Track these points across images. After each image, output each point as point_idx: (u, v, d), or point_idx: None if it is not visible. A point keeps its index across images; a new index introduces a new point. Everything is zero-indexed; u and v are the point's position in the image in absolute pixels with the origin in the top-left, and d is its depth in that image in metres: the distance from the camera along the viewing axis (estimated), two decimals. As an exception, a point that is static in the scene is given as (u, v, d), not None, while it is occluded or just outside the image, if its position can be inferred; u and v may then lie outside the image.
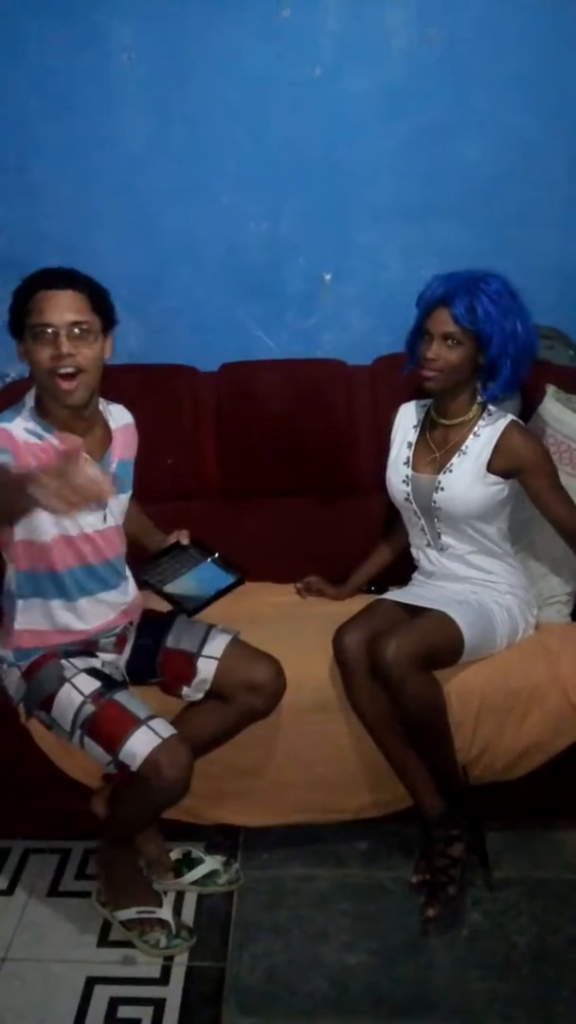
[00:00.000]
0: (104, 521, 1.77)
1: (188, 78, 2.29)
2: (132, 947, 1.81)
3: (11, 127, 2.31)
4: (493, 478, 1.92)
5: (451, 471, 1.94)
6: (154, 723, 1.66)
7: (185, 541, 1.98)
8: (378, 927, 1.84)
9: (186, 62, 2.28)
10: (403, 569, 2.16)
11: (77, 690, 1.70)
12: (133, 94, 2.30)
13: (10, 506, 1.43)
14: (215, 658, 1.81)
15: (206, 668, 1.81)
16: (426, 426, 2.04)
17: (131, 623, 1.90)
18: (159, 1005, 1.69)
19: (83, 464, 1.32)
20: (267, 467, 2.33)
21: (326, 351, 2.51)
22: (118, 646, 1.86)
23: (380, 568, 2.23)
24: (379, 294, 2.46)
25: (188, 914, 1.88)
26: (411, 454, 2.03)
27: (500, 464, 1.91)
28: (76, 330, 1.64)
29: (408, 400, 2.11)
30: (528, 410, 2.18)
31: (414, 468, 2.01)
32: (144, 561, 1.94)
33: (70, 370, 1.63)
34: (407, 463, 2.02)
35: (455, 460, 1.94)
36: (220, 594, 1.88)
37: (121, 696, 1.70)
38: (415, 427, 2.06)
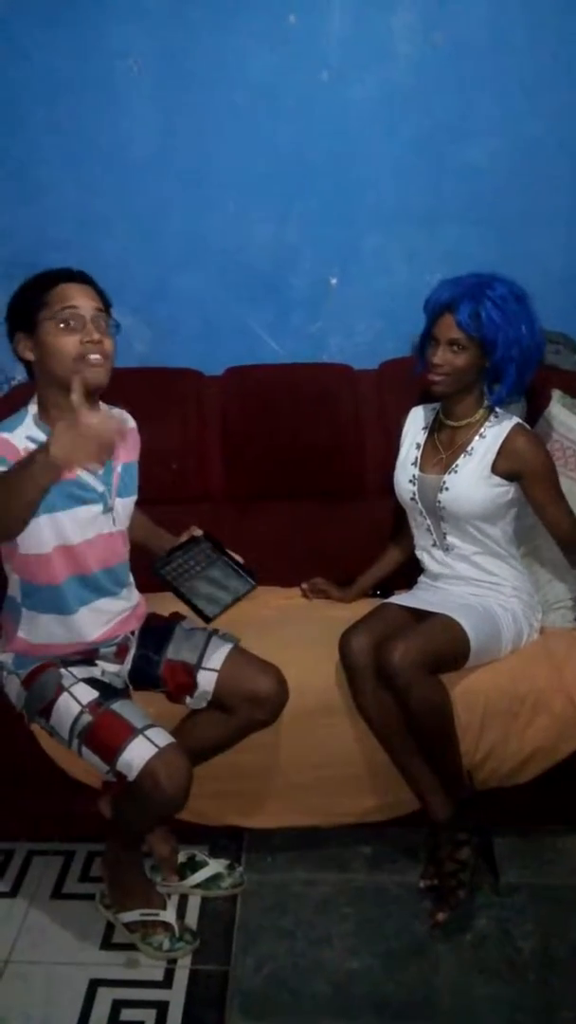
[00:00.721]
0: (113, 524, 1.77)
1: (194, 84, 2.30)
2: (135, 950, 1.80)
3: (17, 133, 2.33)
4: (497, 479, 1.92)
5: (456, 471, 1.95)
6: (151, 732, 1.64)
7: (198, 533, 1.98)
8: (382, 931, 1.84)
9: (192, 68, 2.29)
10: (408, 573, 2.16)
11: (75, 699, 1.68)
12: (139, 100, 2.32)
13: (34, 487, 1.41)
14: (215, 670, 1.80)
15: (206, 680, 1.80)
16: (435, 428, 2.05)
17: (132, 632, 1.89)
18: (162, 1008, 1.69)
19: (87, 414, 1.34)
20: (273, 471, 2.33)
21: (332, 355, 2.52)
22: (119, 656, 1.85)
23: (388, 572, 2.23)
24: (385, 298, 2.47)
25: (192, 917, 1.88)
26: (419, 455, 2.04)
27: (504, 466, 1.91)
28: (101, 320, 1.65)
29: (414, 404, 2.11)
30: (534, 414, 2.18)
31: (421, 469, 2.02)
32: (158, 556, 1.93)
33: (99, 358, 1.63)
34: (415, 463, 2.03)
35: (460, 461, 1.95)
36: (237, 601, 1.89)
37: (119, 705, 1.68)
38: (424, 429, 2.07)
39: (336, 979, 1.73)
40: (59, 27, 2.24)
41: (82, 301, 1.63)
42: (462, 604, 1.94)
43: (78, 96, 2.30)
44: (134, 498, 1.85)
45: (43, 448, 1.36)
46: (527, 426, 1.98)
